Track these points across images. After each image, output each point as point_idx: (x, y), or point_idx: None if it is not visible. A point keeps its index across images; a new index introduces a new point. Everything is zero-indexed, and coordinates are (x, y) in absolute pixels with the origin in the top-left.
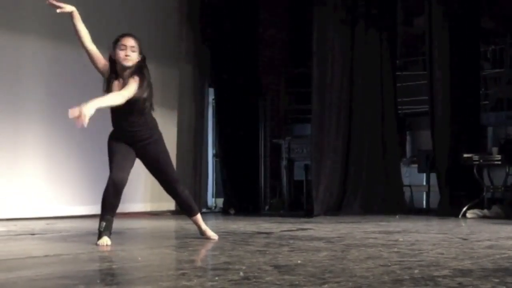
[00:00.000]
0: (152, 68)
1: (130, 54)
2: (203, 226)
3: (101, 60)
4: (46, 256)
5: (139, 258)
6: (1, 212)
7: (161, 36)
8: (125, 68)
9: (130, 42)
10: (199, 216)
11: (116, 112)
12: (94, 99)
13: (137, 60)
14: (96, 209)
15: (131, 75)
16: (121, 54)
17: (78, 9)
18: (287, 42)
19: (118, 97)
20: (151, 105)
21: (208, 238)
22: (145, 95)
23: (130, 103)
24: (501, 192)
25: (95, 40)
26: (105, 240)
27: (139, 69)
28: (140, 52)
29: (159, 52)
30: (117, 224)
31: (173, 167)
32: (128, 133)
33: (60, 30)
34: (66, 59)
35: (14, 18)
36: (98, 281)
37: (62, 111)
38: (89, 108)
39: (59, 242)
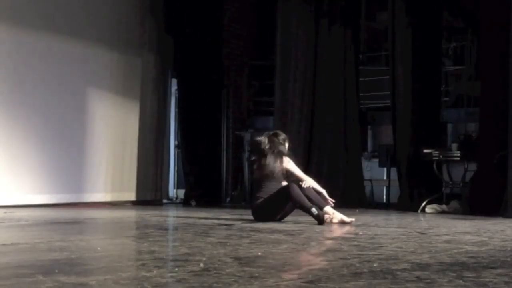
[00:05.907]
0: (114, 57)
1: None
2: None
3: None
4: (3, 245)
5: (99, 248)
6: None
7: (123, 24)
8: None
9: None
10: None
11: None
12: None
13: None
14: (55, 198)
15: None
16: None
17: None
18: (251, 34)
19: None
20: None
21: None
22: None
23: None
24: (460, 187)
25: (58, 28)
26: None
27: None
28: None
29: (122, 40)
30: (77, 214)
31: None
32: None
33: (19, 19)
34: (25, 48)
35: None
36: (56, 271)
37: (20, 99)
38: None
39: (17, 231)
